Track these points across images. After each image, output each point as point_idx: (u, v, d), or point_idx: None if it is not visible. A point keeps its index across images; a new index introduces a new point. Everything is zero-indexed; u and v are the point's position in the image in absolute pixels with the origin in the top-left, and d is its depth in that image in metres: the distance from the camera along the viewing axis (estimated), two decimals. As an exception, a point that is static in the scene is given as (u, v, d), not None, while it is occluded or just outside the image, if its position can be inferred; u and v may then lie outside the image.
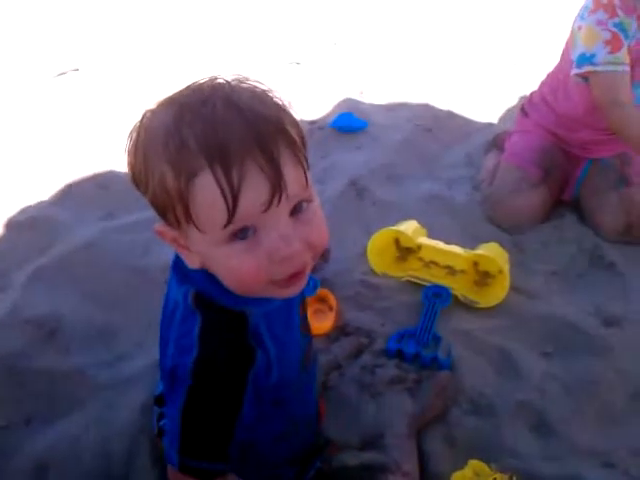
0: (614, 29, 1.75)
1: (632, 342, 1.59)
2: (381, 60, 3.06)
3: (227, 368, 0.86)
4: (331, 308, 1.64)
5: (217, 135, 0.72)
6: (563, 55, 1.95)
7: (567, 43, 1.91)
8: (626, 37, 1.76)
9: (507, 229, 1.95)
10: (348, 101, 2.65)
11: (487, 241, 1.85)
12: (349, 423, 1.31)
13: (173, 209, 0.76)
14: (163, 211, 0.79)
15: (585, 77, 1.83)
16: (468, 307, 1.68)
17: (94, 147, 2.33)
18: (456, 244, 1.80)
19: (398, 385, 1.41)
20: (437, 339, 1.56)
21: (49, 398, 1.38)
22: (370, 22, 3.52)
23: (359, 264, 1.79)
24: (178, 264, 0.89)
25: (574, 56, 1.83)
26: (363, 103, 2.66)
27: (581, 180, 2.04)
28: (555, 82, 1.99)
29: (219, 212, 0.73)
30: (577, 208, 2.03)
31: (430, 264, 1.79)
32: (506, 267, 1.72)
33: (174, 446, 0.87)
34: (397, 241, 1.84)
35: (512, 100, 2.66)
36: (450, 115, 2.60)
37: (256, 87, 0.79)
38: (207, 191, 0.72)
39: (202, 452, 0.88)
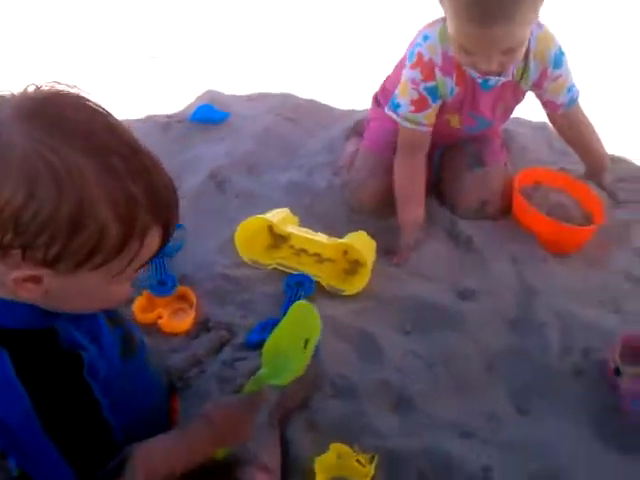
0: (424, 92, 1.80)
1: (486, 314, 1.66)
2: (241, 51, 3.03)
3: (67, 389, 0.84)
4: (191, 305, 1.60)
5: (162, 195, 0.78)
6: (402, 60, 1.99)
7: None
8: (435, 99, 1.82)
9: (367, 213, 1.97)
10: (208, 93, 2.60)
11: (352, 228, 1.87)
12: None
13: (94, 255, 0.75)
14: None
15: None
16: (330, 294, 1.69)
17: None
18: (320, 231, 1.81)
19: (259, 376, 1.40)
20: (300, 327, 1.56)
21: None
22: (228, 13, 3.48)
23: (220, 257, 1.76)
24: None
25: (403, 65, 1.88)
26: (223, 94, 2.62)
27: (437, 163, 2.10)
28: (395, 81, 2.03)
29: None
30: (436, 190, 2.09)
31: (300, 252, 1.79)
32: (371, 256, 1.75)
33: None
34: (270, 229, 1.82)
35: (373, 87, 2.70)
36: (311, 104, 2.61)
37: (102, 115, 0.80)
38: (152, 242, 0.80)
39: (96, 463, 0.86)
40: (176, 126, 2.38)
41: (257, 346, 1.48)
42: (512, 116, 2.06)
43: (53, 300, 0.81)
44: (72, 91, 0.77)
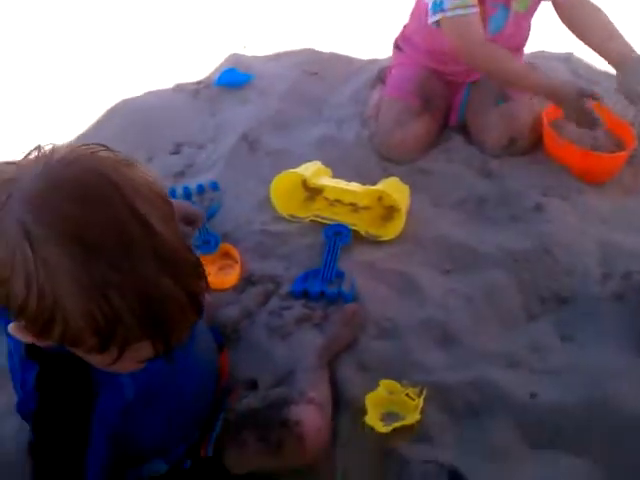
0: None
1: (524, 248, 1.67)
2: (259, 11, 3.03)
3: (66, 415, 0.88)
4: (236, 261, 1.65)
5: (155, 310, 0.68)
6: (418, 6, 1.99)
7: None
8: None
9: (396, 161, 1.99)
10: (231, 56, 2.62)
11: (384, 175, 1.91)
12: (262, 366, 1.35)
13: (75, 347, 0.71)
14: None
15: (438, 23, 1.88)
16: (369, 240, 1.72)
17: None
18: (353, 181, 1.83)
19: (306, 323, 1.45)
20: (340, 275, 1.60)
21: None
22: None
23: (258, 214, 1.80)
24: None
25: (429, 4, 1.87)
26: (246, 56, 2.63)
27: (464, 104, 2.10)
28: (416, 23, 2.03)
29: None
30: (464, 131, 2.09)
31: (335, 203, 1.82)
32: (405, 201, 1.77)
33: None
34: (304, 182, 1.85)
35: (393, 34, 2.69)
36: (334, 57, 2.61)
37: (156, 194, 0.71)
38: (141, 352, 0.72)
39: None
40: (204, 92, 2.41)
41: (301, 296, 1.53)
42: (535, 49, 2.04)
43: None
44: (111, 171, 0.69)
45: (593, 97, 1.84)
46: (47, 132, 2.17)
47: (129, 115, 2.27)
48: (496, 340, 1.47)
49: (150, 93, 2.42)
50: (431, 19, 1.88)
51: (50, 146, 0.70)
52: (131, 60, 2.63)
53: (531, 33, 2.09)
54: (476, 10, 1.84)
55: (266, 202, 1.82)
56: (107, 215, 0.66)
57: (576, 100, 1.82)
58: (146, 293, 0.67)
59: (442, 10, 1.84)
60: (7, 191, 0.67)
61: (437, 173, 1.95)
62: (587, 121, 1.84)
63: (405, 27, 2.17)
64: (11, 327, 0.72)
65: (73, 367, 0.83)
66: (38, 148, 0.70)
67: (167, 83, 2.47)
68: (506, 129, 1.96)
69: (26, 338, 0.72)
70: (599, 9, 1.92)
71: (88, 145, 0.72)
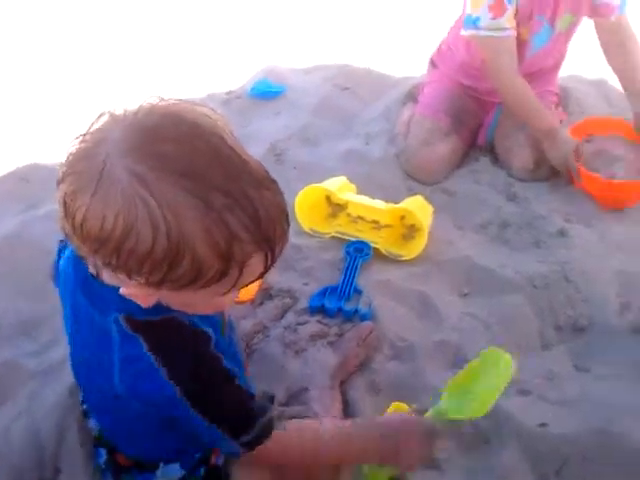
0: None
1: (543, 275, 1.67)
2: (295, 23, 3.06)
3: (201, 361, 0.90)
4: (255, 274, 1.67)
5: (263, 225, 0.75)
6: (463, 10, 2.00)
7: None
8: (510, 1, 1.81)
9: (421, 181, 2.00)
10: (265, 67, 2.65)
11: (409, 194, 1.91)
12: (274, 380, 1.36)
13: (194, 283, 0.76)
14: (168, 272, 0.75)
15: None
16: (388, 259, 1.74)
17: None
18: (378, 198, 1.85)
19: (320, 340, 1.47)
20: (359, 292, 1.62)
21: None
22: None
23: (281, 227, 1.82)
24: (91, 289, 0.89)
25: (464, 16, 1.88)
26: (280, 68, 2.66)
27: (493, 125, 2.10)
28: (454, 35, 2.05)
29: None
30: (491, 152, 2.10)
31: (357, 219, 1.84)
32: (428, 220, 1.78)
33: (225, 441, 0.93)
34: (328, 198, 1.87)
35: (429, 52, 2.70)
36: (367, 72, 2.62)
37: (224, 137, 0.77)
38: (254, 268, 0.79)
39: (248, 419, 0.94)
40: (235, 102, 2.45)
41: (317, 311, 1.55)
42: (569, 73, 2.04)
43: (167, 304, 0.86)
44: (188, 112, 0.76)
45: (577, 157, 1.86)
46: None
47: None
48: (511, 366, 1.47)
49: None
50: (463, 32, 1.90)
51: (116, 108, 0.76)
52: (167, 68, 2.68)
53: (567, 55, 2.09)
54: (512, 34, 1.85)
55: (290, 214, 1.83)
56: (206, 148, 0.74)
57: (567, 158, 1.86)
58: (254, 212, 0.74)
59: (476, 27, 1.85)
60: (104, 151, 0.72)
61: (462, 194, 1.96)
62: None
63: (442, 42, 2.18)
64: (123, 289, 0.80)
65: (171, 325, 0.87)
66: (104, 113, 0.76)
67: (200, 92, 2.51)
68: (533, 153, 1.96)
69: (141, 293, 0.79)
70: (637, 42, 1.93)
71: (150, 97, 0.78)
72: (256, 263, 0.78)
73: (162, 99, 0.78)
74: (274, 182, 0.80)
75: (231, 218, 0.73)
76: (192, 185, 0.71)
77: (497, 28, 1.83)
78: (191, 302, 0.84)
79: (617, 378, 1.43)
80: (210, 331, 0.90)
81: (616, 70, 2.01)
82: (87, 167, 0.73)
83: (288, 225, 0.82)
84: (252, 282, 0.83)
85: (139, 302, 0.82)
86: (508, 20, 1.82)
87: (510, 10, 1.82)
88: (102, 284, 0.85)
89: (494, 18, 1.82)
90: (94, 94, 2.46)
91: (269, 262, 0.80)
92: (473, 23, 1.85)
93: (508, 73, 1.88)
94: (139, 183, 0.71)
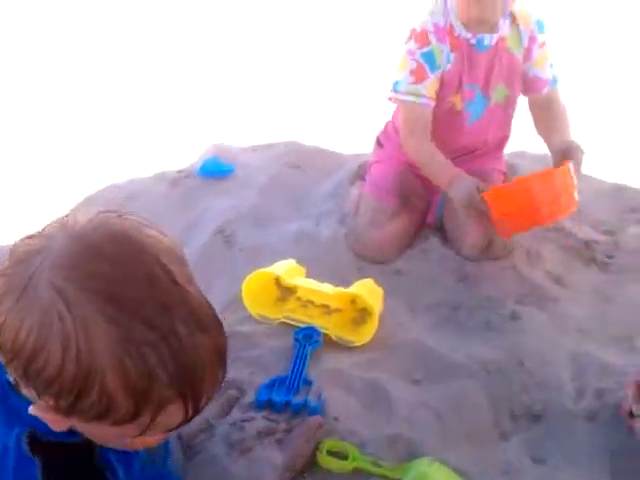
0: (421, 60, 1.86)
1: (496, 359, 1.64)
2: (244, 101, 3.08)
3: None
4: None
5: (189, 369, 0.69)
6: None
7: None
8: (433, 68, 1.86)
9: (371, 260, 1.97)
10: (214, 146, 2.64)
11: (359, 275, 1.88)
12: (218, 484, 1.29)
13: (103, 418, 0.70)
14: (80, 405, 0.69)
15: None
16: (339, 345, 1.69)
17: None
18: (327, 281, 1.81)
19: (267, 437, 1.39)
20: (308, 383, 1.55)
21: None
22: (228, 62, 3.55)
23: (228, 313, 1.76)
24: (6, 397, 0.82)
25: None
26: (229, 146, 2.66)
27: (441, 203, 2.09)
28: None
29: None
30: (441, 231, 2.09)
31: (307, 304, 1.79)
32: (378, 303, 1.74)
33: None
34: (277, 281, 1.83)
35: (376, 129, 2.73)
36: (317, 150, 2.64)
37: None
38: (172, 416, 0.72)
39: None
40: (184, 181, 2.42)
41: (265, 406, 1.48)
42: (514, 150, 2.06)
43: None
44: (137, 233, 0.73)
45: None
46: (27, 220, 2.15)
47: (108, 204, 2.27)
48: (465, 459, 1.41)
49: (132, 181, 2.43)
50: (387, 95, 1.95)
51: (70, 215, 0.74)
52: (117, 147, 2.65)
53: (512, 134, 2.12)
54: (428, 102, 1.89)
55: (237, 300, 1.78)
56: (140, 274, 0.69)
57: (470, 195, 1.80)
58: (181, 351, 0.68)
59: (396, 90, 1.91)
60: (38, 260, 0.69)
61: (413, 275, 1.94)
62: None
63: (387, 123, 2.19)
64: (33, 408, 0.73)
65: (80, 456, 0.82)
66: (56, 220, 0.74)
67: (151, 171, 2.48)
68: (483, 232, 1.94)
69: (49, 417, 0.73)
70: (566, 116, 1.98)
71: (106, 211, 0.75)
72: (175, 411, 0.71)
73: (120, 214, 0.75)
74: (218, 323, 0.76)
75: (151, 355, 0.67)
76: (114, 311, 0.66)
77: (415, 94, 1.88)
78: (103, 436, 0.78)
79: (575, 467, 1.39)
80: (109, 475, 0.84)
81: (542, 135, 2.02)
82: (19, 272, 0.69)
83: (224, 373, 0.76)
84: (170, 431, 0.76)
85: (50, 425, 0.76)
86: (427, 88, 1.87)
87: (431, 79, 1.87)
88: (18, 394, 0.79)
89: (414, 83, 1.87)
90: (43, 176, 2.42)
91: (190, 413, 0.72)
92: (394, 86, 1.91)
93: (419, 137, 1.92)
94: (61, 301, 0.67)
